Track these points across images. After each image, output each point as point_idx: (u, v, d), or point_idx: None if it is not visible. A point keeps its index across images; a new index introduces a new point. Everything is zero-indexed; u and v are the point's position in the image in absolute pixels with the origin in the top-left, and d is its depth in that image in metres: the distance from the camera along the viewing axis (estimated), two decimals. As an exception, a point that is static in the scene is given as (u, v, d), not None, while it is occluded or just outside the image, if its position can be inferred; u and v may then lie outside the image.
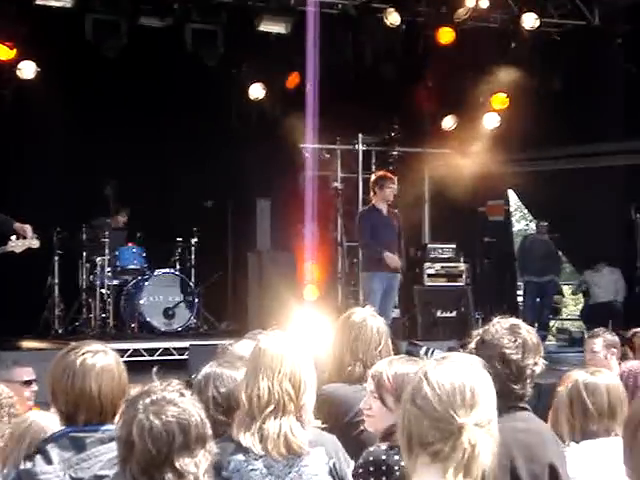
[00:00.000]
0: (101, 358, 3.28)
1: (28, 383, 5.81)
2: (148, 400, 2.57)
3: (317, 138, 12.85)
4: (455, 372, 2.35)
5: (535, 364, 3.65)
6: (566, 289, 17.61)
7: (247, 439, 3.53)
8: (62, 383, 3.25)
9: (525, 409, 3.69)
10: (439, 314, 13.01)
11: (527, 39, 13.12)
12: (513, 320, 3.74)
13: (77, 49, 11.82)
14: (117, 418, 2.69)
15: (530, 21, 12.95)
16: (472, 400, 2.32)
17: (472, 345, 3.71)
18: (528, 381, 3.64)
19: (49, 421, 3.55)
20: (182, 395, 2.61)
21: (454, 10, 12.84)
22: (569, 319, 18.69)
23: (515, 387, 3.62)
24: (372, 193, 11.06)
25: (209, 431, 2.65)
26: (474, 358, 2.48)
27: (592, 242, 14.73)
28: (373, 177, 11.34)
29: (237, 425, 3.57)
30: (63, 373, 3.26)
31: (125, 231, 12.95)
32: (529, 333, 3.69)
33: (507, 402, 3.59)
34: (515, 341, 3.63)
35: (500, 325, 3.69)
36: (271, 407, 3.54)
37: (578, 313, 17.26)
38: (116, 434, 2.65)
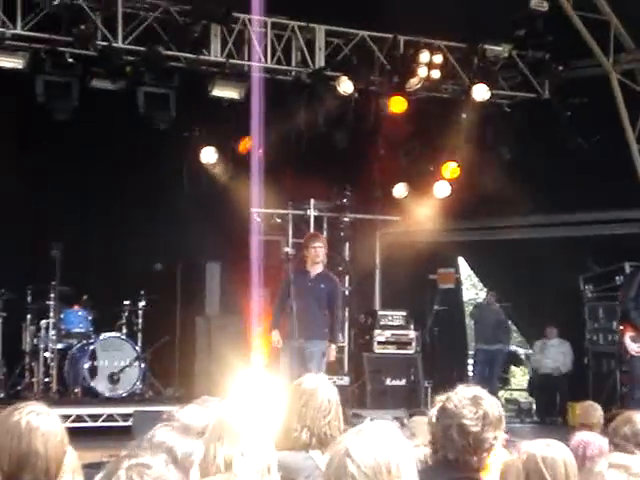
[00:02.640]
0: (45, 419, 3.26)
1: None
2: (135, 461, 2.56)
3: (269, 203, 12.82)
4: (377, 446, 2.35)
5: (495, 438, 3.55)
6: (515, 359, 17.61)
7: None
8: (7, 443, 3.20)
9: None
10: (389, 382, 12.94)
11: (478, 110, 13.30)
12: (477, 390, 3.64)
13: (28, 110, 11.74)
14: None
15: (481, 92, 13.13)
16: (397, 472, 2.34)
17: (434, 411, 3.62)
18: (485, 454, 3.55)
19: None
20: (167, 466, 2.60)
21: (406, 80, 12.99)
22: (518, 389, 18.67)
23: (471, 459, 3.52)
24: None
25: None
26: (391, 424, 2.50)
27: (541, 312, 14.78)
28: None
29: None
30: (7, 433, 3.21)
31: (71, 294, 12.74)
32: (492, 406, 3.60)
33: (461, 473, 3.50)
34: (476, 412, 3.53)
35: (463, 394, 3.59)
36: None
37: (525, 384, 17.25)
38: None
